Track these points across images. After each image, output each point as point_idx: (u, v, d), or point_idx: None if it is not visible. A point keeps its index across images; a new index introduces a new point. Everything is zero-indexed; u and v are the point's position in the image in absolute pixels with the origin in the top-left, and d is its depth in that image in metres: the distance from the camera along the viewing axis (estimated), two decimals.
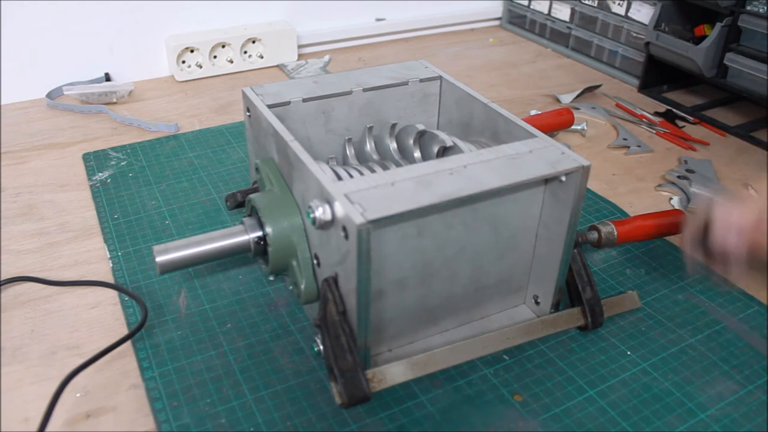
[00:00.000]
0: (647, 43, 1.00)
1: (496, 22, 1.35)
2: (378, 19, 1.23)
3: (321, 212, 0.47)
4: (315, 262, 0.53)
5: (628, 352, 0.56)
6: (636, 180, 0.81)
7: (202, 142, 0.86)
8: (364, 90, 0.64)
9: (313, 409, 0.50)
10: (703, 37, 0.92)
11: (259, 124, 0.60)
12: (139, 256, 0.65)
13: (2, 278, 0.62)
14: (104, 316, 0.59)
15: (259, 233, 0.54)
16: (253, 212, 0.56)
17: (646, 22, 1.01)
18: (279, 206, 0.54)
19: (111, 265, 0.64)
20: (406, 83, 0.66)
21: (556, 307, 0.57)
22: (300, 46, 1.15)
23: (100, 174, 0.79)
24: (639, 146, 0.88)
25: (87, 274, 0.64)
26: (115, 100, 0.97)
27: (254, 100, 0.60)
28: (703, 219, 0.55)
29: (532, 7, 1.26)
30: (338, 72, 0.69)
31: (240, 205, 0.61)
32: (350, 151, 0.65)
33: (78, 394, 0.51)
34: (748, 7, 0.87)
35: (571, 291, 0.57)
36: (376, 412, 0.50)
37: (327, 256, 0.50)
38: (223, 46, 1.06)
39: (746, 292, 0.63)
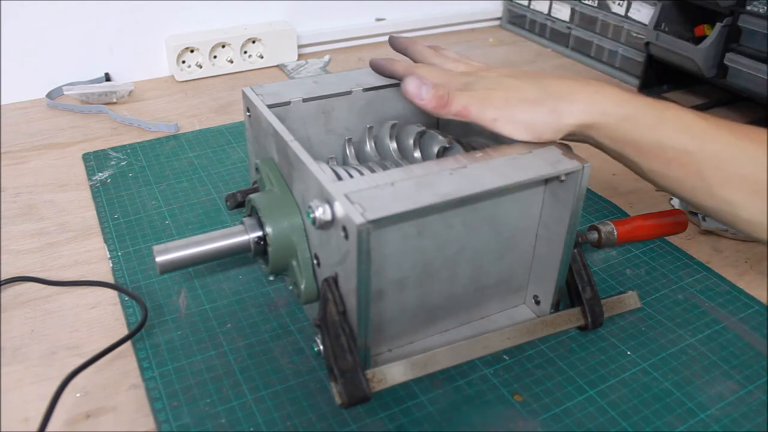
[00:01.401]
0: (647, 43, 1.00)
1: (496, 22, 1.35)
2: (378, 19, 1.23)
3: (321, 212, 0.47)
4: (315, 262, 0.53)
5: (628, 352, 0.56)
6: (636, 180, 0.81)
7: (202, 142, 0.86)
8: (364, 90, 0.64)
9: (313, 409, 0.50)
10: (703, 37, 0.92)
11: (259, 124, 0.60)
12: (139, 256, 0.65)
13: (2, 278, 0.62)
14: (104, 316, 0.59)
15: (259, 233, 0.54)
16: (253, 212, 0.56)
17: (646, 22, 1.01)
18: (279, 206, 0.54)
19: (111, 265, 0.64)
20: None
21: (556, 307, 0.57)
22: (300, 46, 1.15)
23: (100, 174, 0.79)
24: None
25: (87, 274, 0.64)
26: (115, 100, 0.97)
27: (254, 100, 0.60)
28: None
29: (532, 7, 1.26)
30: (338, 72, 0.69)
31: (240, 205, 0.61)
32: (350, 151, 0.65)
33: (78, 394, 0.51)
34: (748, 7, 0.87)
35: (571, 291, 0.57)
36: (376, 412, 0.50)
37: (327, 256, 0.50)
38: (223, 46, 1.06)
39: (746, 291, 0.63)
